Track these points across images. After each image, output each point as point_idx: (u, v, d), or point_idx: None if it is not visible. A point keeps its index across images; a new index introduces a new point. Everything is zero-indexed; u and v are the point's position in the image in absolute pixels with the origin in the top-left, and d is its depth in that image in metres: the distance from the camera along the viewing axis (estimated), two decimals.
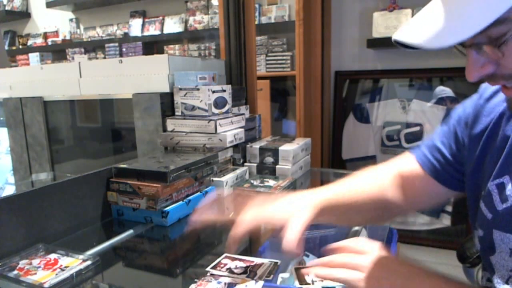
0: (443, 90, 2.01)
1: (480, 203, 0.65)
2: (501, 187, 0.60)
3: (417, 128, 2.07)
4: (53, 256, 0.83)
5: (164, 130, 1.38)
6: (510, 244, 0.58)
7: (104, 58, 3.56)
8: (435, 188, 0.75)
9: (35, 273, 0.76)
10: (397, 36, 0.52)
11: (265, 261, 0.78)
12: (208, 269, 0.75)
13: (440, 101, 2.01)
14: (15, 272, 0.77)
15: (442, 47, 0.46)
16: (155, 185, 1.01)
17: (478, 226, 0.66)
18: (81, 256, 0.82)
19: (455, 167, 0.73)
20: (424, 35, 0.48)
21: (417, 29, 0.50)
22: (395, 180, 0.79)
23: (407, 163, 0.79)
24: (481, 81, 0.58)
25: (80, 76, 1.58)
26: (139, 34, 3.41)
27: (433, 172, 0.75)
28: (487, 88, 0.71)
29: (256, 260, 0.78)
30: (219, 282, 0.70)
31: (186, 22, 3.21)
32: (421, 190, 0.77)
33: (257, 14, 2.75)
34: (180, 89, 1.36)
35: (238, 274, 0.73)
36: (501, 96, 0.67)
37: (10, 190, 1.92)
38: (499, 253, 0.60)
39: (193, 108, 1.35)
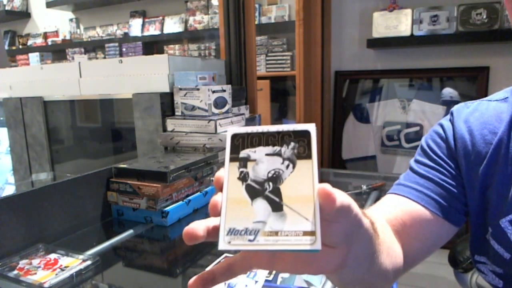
0: (451, 93, 2.01)
1: (489, 239, 0.59)
2: None
3: (417, 128, 2.07)
4: (53, 256, 0.83)
5: (164, 130, 1.37)
6: None
7: (104, 58, 3.56)
8: (443, 228, 0.63)
9: (35, 273, 0.76)
10: None
11: None
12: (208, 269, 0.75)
13: (444, 102, 2.01)
14: (15, 272, 0.77)
15: None
16: (155, 185, 1.01)
17: (487, 262, 0.61)
18: (81, 256, 0.82)
19: (460, 200, 0.63)
20: None
21: None
22: (396, 230, 0.61)
23: (398, 207, 0.63)
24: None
25: (80, 76, 1.58)
26: (139, 34, 3.41)
27: (440, 210, 0.62)
28: (459, 111, 0.68)
29: None
30: None
31: (186, 22, 3.22)
32: (429, 234, 0.62)
33: (257, 14, 2.75)
34: (180, 89, 1.36)
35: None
36: (483, 115, 0.62)
37: (10, 190, 1.92)
38: None
39: (193, 108, 1.35)
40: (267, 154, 0.34)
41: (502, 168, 0.58)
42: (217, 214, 0.34)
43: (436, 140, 0.68)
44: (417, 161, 0.68)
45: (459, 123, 0.66)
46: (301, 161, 0.33)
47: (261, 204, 0.32)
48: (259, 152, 0.34)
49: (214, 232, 0.35)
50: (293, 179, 0.32)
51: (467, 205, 0.63)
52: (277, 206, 0.32)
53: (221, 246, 0.33)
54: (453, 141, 0.65)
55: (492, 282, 0.61)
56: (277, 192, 0.32)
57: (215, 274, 0.40)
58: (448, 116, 0.70)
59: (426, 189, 0.63)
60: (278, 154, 0.34)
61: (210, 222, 0.36)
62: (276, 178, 0.33)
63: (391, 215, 0.61)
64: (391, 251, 0.53)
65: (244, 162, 0.34)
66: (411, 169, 0.68)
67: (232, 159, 0.34)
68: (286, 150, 0.34)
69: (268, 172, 0.33)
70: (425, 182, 0.64)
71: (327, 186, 0.30)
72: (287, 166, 0.33)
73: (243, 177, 0.33)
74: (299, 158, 0.33)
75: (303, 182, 0.32)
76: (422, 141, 0.70)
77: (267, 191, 0.33)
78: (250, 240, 0.31)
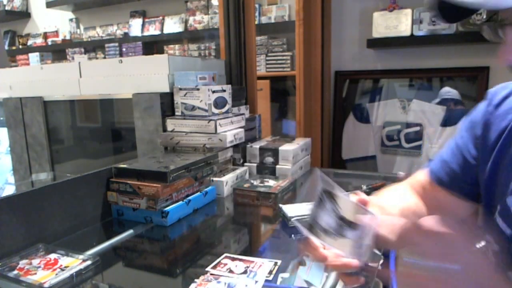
0: (449, 92, 2.01)
1: (495, 217, 0.62)
2: None
3: (417, 128, 2.07)
4: (53, 256, 0.83)
5: (164, 130, 1.38)
6: None
7: (104, 58, 3.56)
8: (452, 202, 0.73)
9: (35, 273, 0.76)
10: None
11: (265, 261, 0.78)
12: (208, 269, 0.75)
13: (444, 101, 2.01)
14: (15, 272, 0.77)
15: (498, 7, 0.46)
16: (155, 185, 1.01)
17: (493, 240, 0.63)
18: (81, 256, 0.82)
19: (464, 179, 0.71)
20: None
21: None
22: (420, 195, 0.78)
23: (423, 178, 0.79)
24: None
25: (80, 76, 1.58)
26: (139, 34, 3.41)
27: (445, 184, 0.74)
28: (496, 94, 0.68)
29: (256, 260, 0.78)
30: (219, 282, 0.70)
31: (186, 22, 3.22)
32: (443, 206, 0.75)
33: (257, 14, 2.75)
34: (180, 89, 1.36)
35: (238, 274, 0.73)
36: (511, 102, 0.65)
37: (10, 190, 1.92)
38: None
39: (193, 108, 1.35)
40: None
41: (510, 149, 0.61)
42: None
43: (468, 125, 0.73)
44: (461, 136, 0.74)
45: (492, 103, 0.69)
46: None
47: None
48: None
49: None
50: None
51: (473, 184, 0.70)
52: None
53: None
54: (483, 123, 0.69)
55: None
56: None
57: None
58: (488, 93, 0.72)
59: (439, 167, 0.75)
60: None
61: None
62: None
63: (425, 184, 0.78)
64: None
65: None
66: (448, 143, 0.77)
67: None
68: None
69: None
70: (440, 160, 0.75)
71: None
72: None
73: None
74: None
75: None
76: (466, 118, 0.75)
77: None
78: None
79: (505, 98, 0.66)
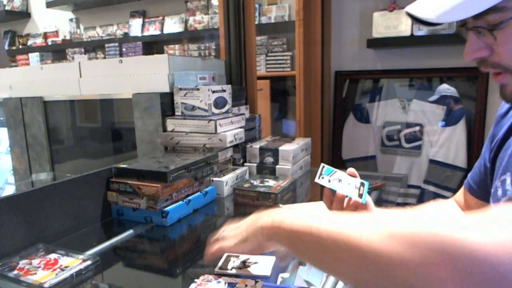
0: (448, 89, 2.01)
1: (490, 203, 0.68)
2: (504, 183, 0.63)
3: (417, 128, 2.07)
4: (53, 256, 0.83)
5: (164, 130, 1.38)
6: None
7: (104, 58, 3.56)
8: (480, 207, 0.79)
9: (35, 273, 0.76)
10: (410, 9, 0.56)
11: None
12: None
13: (442, 99, 2.01)
14: (15, 272, 0.77)
15: (446, 21, 0.53)
16: (155, 185, 1.01)
17: None
18: (81, 256, 0.82)
19: (486, 181, 0.76)
20: (433, 11, 0.53)
21: (427, 5, 0.54)
22: (457, 207, 0.85)
23: (461, 191, 0.86)
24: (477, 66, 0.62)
25: (80, 76, 1.58)
26: (139, 34, 3.41)
27: (471, 191, 0.80)
28: (505, 103, 0.74)
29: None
30: (219, 282, 0.70)
31: (186, 22, 3.22)
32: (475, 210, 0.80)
33: (257, 14, 2.75)
34: (180, 89, 1.36)
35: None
36: None
37: (10, 190, 1.92)
38: None
39: (193, 108, 1.35)
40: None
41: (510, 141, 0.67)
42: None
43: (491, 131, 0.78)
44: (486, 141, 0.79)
45: (502, 109, 0.74)
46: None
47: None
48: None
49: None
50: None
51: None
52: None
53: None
54: (495, 125, 0.75)
55: None
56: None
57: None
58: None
59: (470, 178, 0.82)
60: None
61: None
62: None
63: (460, 199, 0.86)
64: None
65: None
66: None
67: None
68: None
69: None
70: (473, 169, 0.81)
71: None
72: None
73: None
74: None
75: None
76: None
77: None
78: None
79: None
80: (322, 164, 0.78)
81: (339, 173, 0.78)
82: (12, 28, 4.21)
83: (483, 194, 0.77)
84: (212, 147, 1.30)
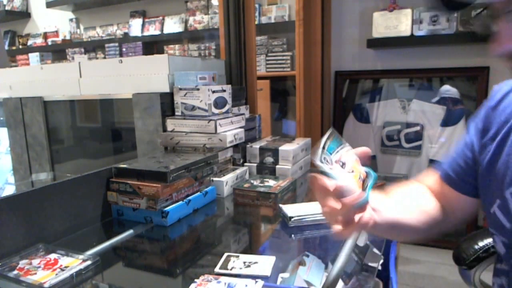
0: (448, 90, 2.01)
1: (495, 210, 0.63)
2: None
3: (417, 128, 2.07)
4: (53, 256, 0.83)
5: (164, 130, 1.38)
6: None
7: (104, 58, 3.56)
8: (457, 199, 0.73)
9: (35, 273, 0.76)
10: None
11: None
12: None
13: (443, 100, 2.01)
14: (15, 272, 0.77)
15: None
16: (155, 185, 1.01)
17: (495, 232, 0.65)
18: (81, 256, 0.82)
19: (469, 174, 0.72)
20: None
21: None
22: (430, 194, 0.77)
23: (432, 178, 0.79)
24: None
25: (80, 76, 1.58)
26: (139, 34, 3.41)
27: (450, 182, 0.74)
28: (499, 90, 0.70)
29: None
30: (219, 282, 0.70)
31: (186, 22, 3.22)
32: (450, 202, 0.75)
33: (257, 14, 2.75)
34: (180, 89, 1.36)
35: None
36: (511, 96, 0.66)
37: (10, 190, 1.92)
38: None
39: (193, 108, 1.35)
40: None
41: (511, 141, 0.61)
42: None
43: (474, 123, 0.73)
44: (468, 133, 0.74)
45: (494, 99, 0.70)
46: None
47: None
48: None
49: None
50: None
51: (475, 176, 0.70)
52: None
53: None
54: (484, 117, 0.70)
55: (500, 251, 0.67)
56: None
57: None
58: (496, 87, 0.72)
59: (448, 166, 0.75)
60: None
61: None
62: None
63: (430, 184, 0.78)
64: (418, 213, 0.69)
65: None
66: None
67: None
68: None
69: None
70: (451, 159, 0.75)
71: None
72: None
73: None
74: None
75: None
76: (473, 116, 0.75)
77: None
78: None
79: (507, 93, 0.67)
80: (326, 136, 0.55)
81: (345, 150, 0.57)
82: (12, 28, 4.21)
83: (465, 186, 0.72)
84: (212, 147, 1.30)
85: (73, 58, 3.70)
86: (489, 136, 0.67)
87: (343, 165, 0.55)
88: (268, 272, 0.74)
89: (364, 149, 0.58)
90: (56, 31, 3.94)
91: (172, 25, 3.27)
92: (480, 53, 1.91)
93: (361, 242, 0.81)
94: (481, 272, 1.01)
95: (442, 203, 0.75)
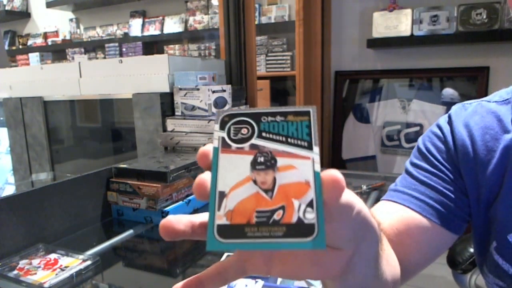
0: (451, 95, 2.01)
1: (492, 253, 0.56)
2: None
3: (417, 128, 2.07)
4: (53, 256, 0.83)
5: (164, 130, 1.38)
6: None
7: (104, 58, 3.56)
8: (442, 237, 0.59)
9: (35, 273, 0.76)
10: None
11: None
12: None
13: (444, 103, 2.01)
14: (15, 272, 0.77)
15: None
16: (155, 185, 1.01)
17: (494, 276, 0.57)
18: (81, 256, 0.82)
19: (461, 207, 0.60)
20: None
21: None
22: (391, 240, 0.57)
23: (394, 214, 0.59)
24: None
25: (80, 76, 1.58)
26: (139, 34, 3.41)
27: (440, 219, 0.58)
28: (458, 113, 0.64)
29: None
30: None
31: (186, 22, 3.22)
32: (427, 244, 0.59)
33: (257, 14, 2.75)
34: (180, 89, 1.36)
35: None
36: (483, 119, 0.59)
37: (10, 190, 1.92)
38: None
39: (193, 108, 1.35)
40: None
41: (510, 179, 0.54)
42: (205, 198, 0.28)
43: (435, 142, 0.63)
44: (414, 165, 0.63)
45: (458, 127, 0.61)
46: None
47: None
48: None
49: (200, 228, 0.30)
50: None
51: (468, 211, 0.60)
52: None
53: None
54: (453, 145, 0.61)
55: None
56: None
57: (203, 280, 0.34)
58: (446, 118, 0.64)
59: (427, 197, 0.59)
60: None
61: (196, 217, 0.31)
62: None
63: (386, 223, 0.58)
64: (390, 259, 0.49)
65: None
66: (409, 173, 0.63)
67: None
68: None
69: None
70: (425, 189, 0.60)
71: (334, 173, 0.25)
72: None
73: None
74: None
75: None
76: (419, 143, 0.65)
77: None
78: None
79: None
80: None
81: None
82: (12, 28, 4.21)
83: (454, 224, 0.59)
84: None
85: (73, 58, 3.70)
86: (473, 166, 0.59)
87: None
88: None
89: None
90: (56, 31, 3.94)
91: (172, 25, 3.27)
92: (480, 53, 1.90)
93: None
94: (477, 276, 0.95)
95: (402, 245, 0.57)
